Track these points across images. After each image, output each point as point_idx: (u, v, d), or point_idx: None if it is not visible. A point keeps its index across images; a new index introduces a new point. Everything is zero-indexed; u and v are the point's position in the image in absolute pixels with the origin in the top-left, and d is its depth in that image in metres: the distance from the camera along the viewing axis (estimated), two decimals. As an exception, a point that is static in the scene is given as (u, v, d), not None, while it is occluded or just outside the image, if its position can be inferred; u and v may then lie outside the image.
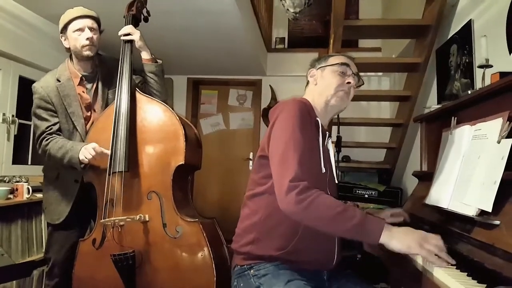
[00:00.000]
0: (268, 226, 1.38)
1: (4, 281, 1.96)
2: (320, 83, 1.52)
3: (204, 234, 1.76)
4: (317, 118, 1.46)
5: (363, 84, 1.58)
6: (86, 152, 1.86)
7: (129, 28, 2.07)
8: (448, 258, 1.15)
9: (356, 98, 3.32)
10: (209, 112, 5.20)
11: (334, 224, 1.21)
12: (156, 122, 1.95)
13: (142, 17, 2.18)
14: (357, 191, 3.36)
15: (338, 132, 3.05)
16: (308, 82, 1.59)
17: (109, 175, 1.87)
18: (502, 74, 1.45)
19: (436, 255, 1.15)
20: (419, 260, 1.25)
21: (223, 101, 5.19)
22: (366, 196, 3.33)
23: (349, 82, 1.49)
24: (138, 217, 1.80)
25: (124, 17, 2.11)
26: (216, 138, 5.14)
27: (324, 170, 1.44)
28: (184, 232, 1.79)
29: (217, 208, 4.92)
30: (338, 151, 2.99)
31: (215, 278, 1.70)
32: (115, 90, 2.02)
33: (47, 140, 1.97)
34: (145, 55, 2.11)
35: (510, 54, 1.88)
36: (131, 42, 2.06)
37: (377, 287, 2.74)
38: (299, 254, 1.36)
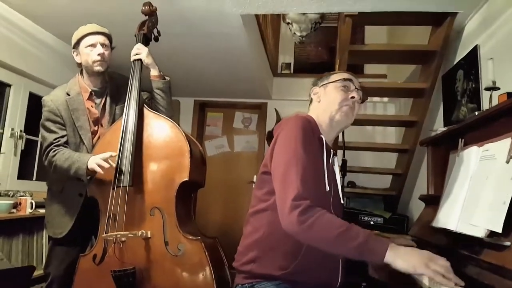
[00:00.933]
0: (270, 243, 1.35)
1: (3, 286, 1.94)
2: (323, 100, 1.51)
3: (206, 253, 1.73)
4: (321, 136, 1.45)
5: (367, 99, 1.57)
6: (97, 159, 1.85)
7: (136, 48, 2.11)
8: (456, 278, 1.11)
9: (362, 122, 3.38)
10: (214, 134, 5.22)
11: (338, 243, 1.18)
12: (162, 138, 1.95)
13: (153, 36, 2.22)
14: (362, 218, 3.30)
15: (344, 156, 3.04)
16: (311, 100, 1.58)
17: (113, 189, 1.86)
18: (510, 95, 1.44)
19: (443, 275, 1.11)
20: (426, 281, 1.22)
21: (228, 124, 5.21)
22: (372, 223, 3.27)
23: (353, 97, 1.48)
24: (140, 233, 1.78)
25: (135, 35, 2.16)
26: (220, 160, 5.14)
27: (328, 189, 1.42)
28: (186, 250, 1.76)
29: (219, 230, 4.86)
30: (343, 175, 2.96)
31: (216, 298, 1.66)
32: (123, 106, 2.05)
33: (54, 151, 1.99)
34: (153, 72, 2.15)
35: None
36: (140, 60, 2.09)
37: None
38: (302, 274, 1.33)
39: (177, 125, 1.95)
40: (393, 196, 3.51)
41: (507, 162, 1.27)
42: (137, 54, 2.10)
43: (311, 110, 1.56)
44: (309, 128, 1.39)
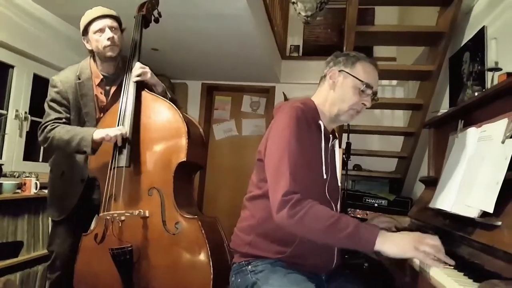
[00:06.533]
0: (265, 229, 1.35)
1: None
2: (337, 91, 1.42)
3: (203, 231, 1.74)
4: (320, 122, 1.42)
5: (377, 101, 1.48)
6: (106, 130, 1.85)
7: (140, 68, 2.01)
8: (446, 258, 1.11)
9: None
10: (222, 118, 5.22)
11: (328, 235, 1.19)
12: (160, 120, 1.95)
13: (153, 18, 2.20)
14: (366, 200, 3.31)
15: (348, 139, 3.03)
16: (323, 79, 1.49)
17: (111, 169, 1.88)
18: (510, 75, 1.41)
19: (433, 256, 1.11)
20: (417, 261, 1.22)
21: (236, 107, 5.20)
22: (376, 205, 3.28)
23: (364, 104, 1.42)
24: (137, 212, 1.81)
25: (134, 17, 2.13)
26: (228, 144, 5.15)
27: (325, 176, 1.41)
28: (183, 228, 1.78)
29: (228, 213, 4.88)
30: (347, 158, 2.95)
31: (212, 276, 1.68)
32: None
33: (52, 126, 1.95)
34: (158, 89, 2.08)
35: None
36: (140, 40, 2.07)
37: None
38: (298, 258, 1.34)
39: (174, 107, 1.95)
40: (399, 179, 3.50)
41: (503, 142, 1.24)
42: (140, 75, 2.00)
43: (320, 93, 1.48)
44: (304, 117, 1.34)
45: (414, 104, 3.15)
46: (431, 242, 1.13)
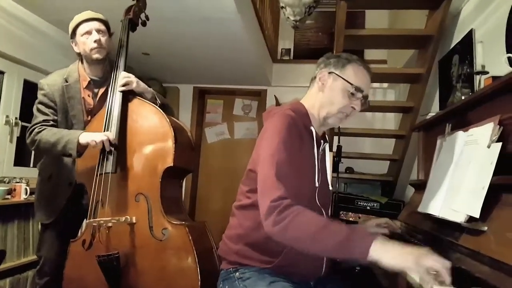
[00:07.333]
0: (253, 239, 1.33)
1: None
2: (326, 94, 1.40)
3: (190, 237, 1.72)
4: (311, 127, 1.40)
5: (367, 106, 1.44)
6: (92, 135, 1.83)
7: (124, 77, 1.97)
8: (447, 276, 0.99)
9: (359, 108, 3.34)
10: (214, 121, 5.22)
11: (316, 242, 1.10)
12: (146, 124, 1.93)
13: (140, 21, 2.18)
14: (358, 203, 3.30)
15: (339, 142, 3.03)
16: (314, 80, 1.45)
17: (97, 176, 1.86)
18: (495, 78, 1.41)
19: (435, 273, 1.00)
20: (416, 278, 1.17)
21: (228, 111, 5.20)
22: (368, 208, 3.27)
23: (354, 108, 1.39)
24: (124, 218, 1.79)
25: (121, 21, 2.12)
26: (220, 147, 5.15)
27: (317, 184, 1.39)
28: (170, 234, 1.76)
29: (220, 216, 4.86)
30: (338, 161, 2.95)
31: (199, 282, 1.66)
32: None
33: (40, 128, 1.95)
34: (147, 96, 2.04)
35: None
36: (127, 43, 2.06)
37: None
38: (286, 268, 1.32)
39: (161, 111, 1.93)
40: (390, 182, 3.50)
41: (488, 147, 1.24)
42: (126, 84, 1.96)
43: (310, 96, 1.45)
44: (294, 125, 1.31)
45: (405, 107, 3.16)
46: (440, 260, 1.00)
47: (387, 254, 1.03)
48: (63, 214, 2.05)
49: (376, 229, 1.54)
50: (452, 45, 2.58)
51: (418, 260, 1.00)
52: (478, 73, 1.74)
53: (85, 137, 1.85)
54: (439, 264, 0.99)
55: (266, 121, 1.41)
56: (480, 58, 1.77)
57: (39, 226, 2.82)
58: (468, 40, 2.32)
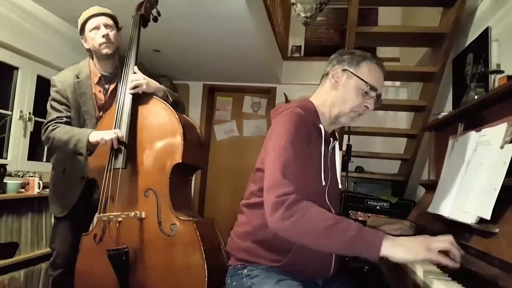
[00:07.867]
0: (261, 237, 1.32)
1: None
2: (339, 92, 1.37)
3: (198, 233, 1.73)
4: (320, 125, 1.37)
5: (380, 105, 1.42)
6: (102, 133, 1.85)
7: (134, 79, 1.96)
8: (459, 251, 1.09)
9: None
10: (223, 118, 5.22)
11: (326, 238, 1.10)
12: (156, 121, 1.95)
13: (151, 17, 2.19)
14: (368, 202, 3.28)
15: (349, 141, 3.00)
16: (326, 77, 1.42)
17: (107, 171, 1.88)
18: (510, 78, 1.38)
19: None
20: (420, 273, 1.18)
21: (237, 108, 5.20)
22: (378, 207, 3.25)
23: (367, 107, 1.36)
24: (133, 213, 1.80)
25: (132, 17, 2.13)
26: (229, 144, 5.15)
27: (324, 183, 1.37)
28: (178, 230, 1.77)
29: (228, 213, 4.88)
30: (348, 159, 2.92)
31: (206, 278, 1.67)
32: None
33: (54, 126, 1.99)
34: (158, 95, 2.03)
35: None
36: (138, 39, 2.07)
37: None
38: (294, 266, 1.31)
39: (171, 108, 1.94)
40: (401, 182, 3.47)
41: (502, 147, 1.22)
42: (136, 87, 1.95)
43: (320, 93, 1.42)
44: (303, 123, 1.29)
45: (417, 106, 3.12)
46: (442, 238, 1.09)
47: (399, 249, 1.06)
48: (76, 208, 2.08)
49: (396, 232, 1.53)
50: (467, 44, 2.53)
51: (428, 247, 1.06)
52: (493, 72, 1.71)
53: (95, 135, 1.87)
54: (446, 243, 1.07)
55: (274, 119, 1.40)
56: (495, 57, 1.74)
57: (52, 220, 2.89)
58: (484, 38, 2.27)
